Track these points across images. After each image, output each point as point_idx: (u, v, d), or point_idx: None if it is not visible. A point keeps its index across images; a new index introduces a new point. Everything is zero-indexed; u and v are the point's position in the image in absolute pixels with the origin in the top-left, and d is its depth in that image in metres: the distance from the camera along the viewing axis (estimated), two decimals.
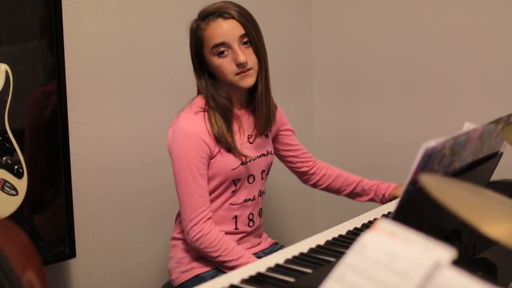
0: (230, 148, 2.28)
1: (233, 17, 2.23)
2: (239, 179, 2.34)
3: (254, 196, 2.40)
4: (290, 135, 2.60)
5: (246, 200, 2.38)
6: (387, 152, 3.30)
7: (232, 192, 2.34)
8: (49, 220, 2.46)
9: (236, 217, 2.37)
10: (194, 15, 2.30)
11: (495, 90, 2.89)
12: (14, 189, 2.31)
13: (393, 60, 3.21)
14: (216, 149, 2.27)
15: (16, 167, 2.31)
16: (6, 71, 2.26)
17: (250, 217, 2.40)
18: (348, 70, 3.41)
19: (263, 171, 2.42)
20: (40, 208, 2.42)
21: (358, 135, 3.41)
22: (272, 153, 2.47)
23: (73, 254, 2.54)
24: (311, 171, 2.67)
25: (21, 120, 2.33)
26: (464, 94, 2.98)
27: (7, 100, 2.26)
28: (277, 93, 2.50)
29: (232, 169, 2.30)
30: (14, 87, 2.28)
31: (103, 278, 2.76)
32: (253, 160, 2.36)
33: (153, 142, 2.83)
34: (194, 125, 2.25)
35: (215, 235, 2.24)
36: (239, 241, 2.37)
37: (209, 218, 2.26)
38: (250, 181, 2.38)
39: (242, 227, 2.38)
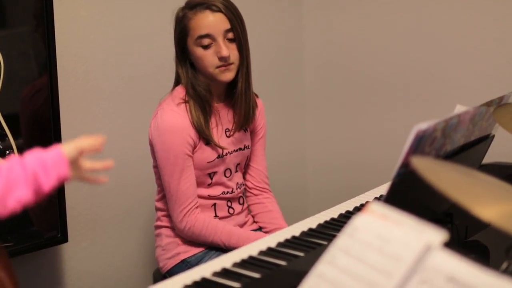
0: (208, 139, 2.28)
1: (220, 11, 2.24)
2: (215, 173, 2.34)
3: (232, 189, 2.41)
4: (260, 137, 2.51)
5: (224, 193, 2.39)
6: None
7: (208, 185, 2.35)
8: (41, 205, 2.45)
9: (215, 204, 2.37)
10: (183, 2, 2.30)
11: (487, 73, 2.90)
12: None
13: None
14: (198, 141, 2.28)
15: (7, 152, 2.30)
16: None
17: (229, 204, 2.41)
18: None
19: (238, 164, 2.42)
20: None
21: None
22: (249, 147, 2.46)
23: (65, 239, 2.54)
24: (255, 192, 2.55)
25: (13, 106, 2.32)
26: (456, 77, 2.98)
27: None
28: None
29: (208, 162, 2.31)
30: (6, 72, 2.26)
31: (95, 263, 2.76)
32: (230, 153, 2.36)
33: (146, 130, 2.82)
34: (178, 119, 2.24)
35: (201, 224, 2.28)
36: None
37: (196, 207, 2.29)
38: (227, 175, 2.38)
39: (222, 213, 2.39)
